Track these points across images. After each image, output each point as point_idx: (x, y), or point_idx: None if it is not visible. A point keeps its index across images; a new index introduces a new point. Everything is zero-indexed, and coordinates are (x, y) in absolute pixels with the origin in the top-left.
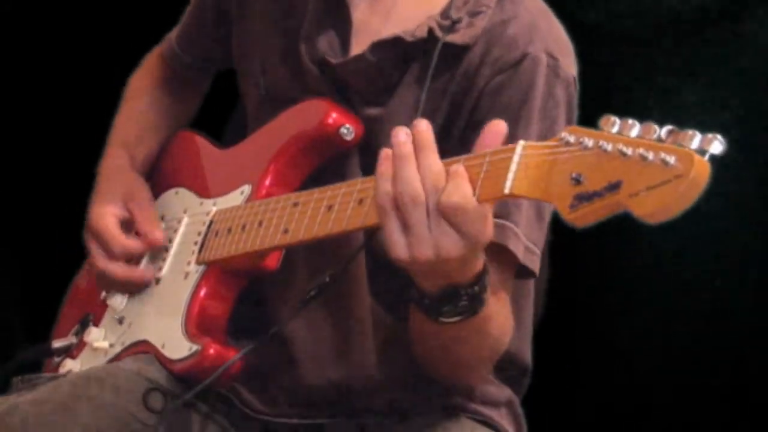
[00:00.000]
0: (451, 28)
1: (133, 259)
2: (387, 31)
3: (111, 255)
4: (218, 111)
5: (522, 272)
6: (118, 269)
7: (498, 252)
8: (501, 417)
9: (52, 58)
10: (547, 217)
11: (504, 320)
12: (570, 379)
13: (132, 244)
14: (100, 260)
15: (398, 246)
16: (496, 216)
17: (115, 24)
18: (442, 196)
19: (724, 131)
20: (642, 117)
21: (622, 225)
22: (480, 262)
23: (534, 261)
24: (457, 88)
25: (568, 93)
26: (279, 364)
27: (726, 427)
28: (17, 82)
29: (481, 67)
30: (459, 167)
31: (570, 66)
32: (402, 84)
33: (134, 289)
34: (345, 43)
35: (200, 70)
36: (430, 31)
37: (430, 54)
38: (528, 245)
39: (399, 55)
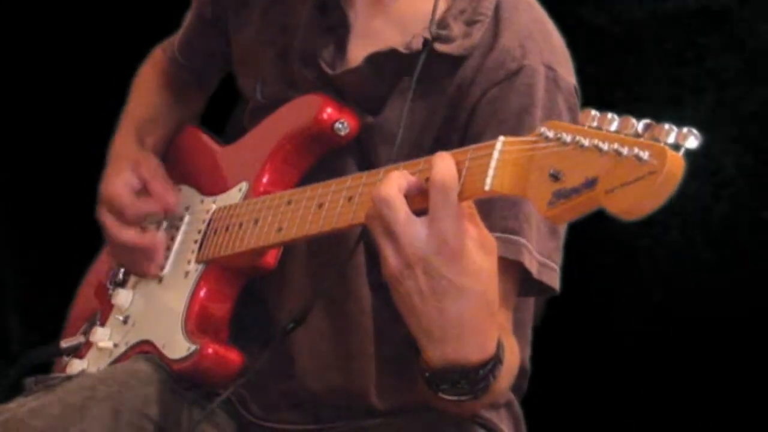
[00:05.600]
0: (447, 39)
1: (147, 224)
2: (387, 36)
3: (125, 220)
4: (218, 111)
5: (538, 288)
6: (131, 235)
7: (508, 269)
8: (500, 419)
9: (54, 56)
10: (562, 232)
11: (512, 362)
12: (570, 379)
13: (145, 205)
14: (114, 229)
15: (388, 254)
16: (506, 231)
17: (119, 20)
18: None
19: (721, 130)
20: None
21: (625, 225)
22: (492, 343)
23: (552, 277)
24: (450, 100)
25: (570, 103)
26: (280, 370)
27: (725, 428)
28: (17, 82)
29: (475, 79)
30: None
31: (569, 75)
32: (394, 94)
33: (148, 258)
34: (342, 49)
35: (203, 76)
36: (425, 42)
37: (425, 65)
38: (542, 260)
39: (394, 66)
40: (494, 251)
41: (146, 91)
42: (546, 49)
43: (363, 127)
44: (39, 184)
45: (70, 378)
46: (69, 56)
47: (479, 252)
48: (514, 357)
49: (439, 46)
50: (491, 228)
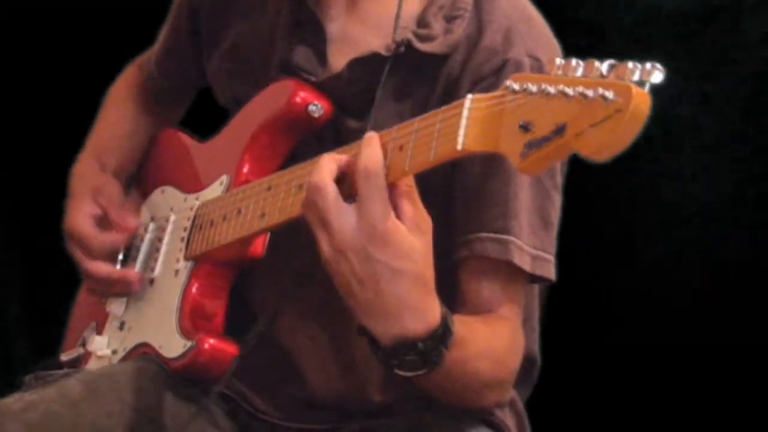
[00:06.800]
0: (428, 37)
1: (115, 254)
2: (366, 40)
3: (91, 254)
4: (215, 111)
5: (536, 280)
6: (101, 268)
7: (502, 268)
8: (504, 416)
9: (56, 56)
10: (555, 220)
11: (499, 346)
12: (571, 378)
13: (108, 237)
14: (83, 262)
15: (322, 242)
16: (496, 232)
17: (100, 32)
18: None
19: (722, 130)
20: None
21: (625, 222)
22: (434, 315)
23: (546, 268)
24: (438, 98)
25: None
26: (284, 375)
27: (726, 428)
28: (17, 82)
29: (461, 77)
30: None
31: None
32: (380, 97)
33: (121, 289)
34: (321, 57)
35: (181, 90)
36: (408, 43)
37: (409, 66)
38: (535, 254)
39: (377, 69)
40: (429, 230)
41: (114, 109)
42: (529, 38)
43: (349, 131)
44: (41, 187)
45: (68, 374)
46: (70, 56)
47: (413, 232)
48: (497, 339)
49: (422, 46)
50: (480, 229)
